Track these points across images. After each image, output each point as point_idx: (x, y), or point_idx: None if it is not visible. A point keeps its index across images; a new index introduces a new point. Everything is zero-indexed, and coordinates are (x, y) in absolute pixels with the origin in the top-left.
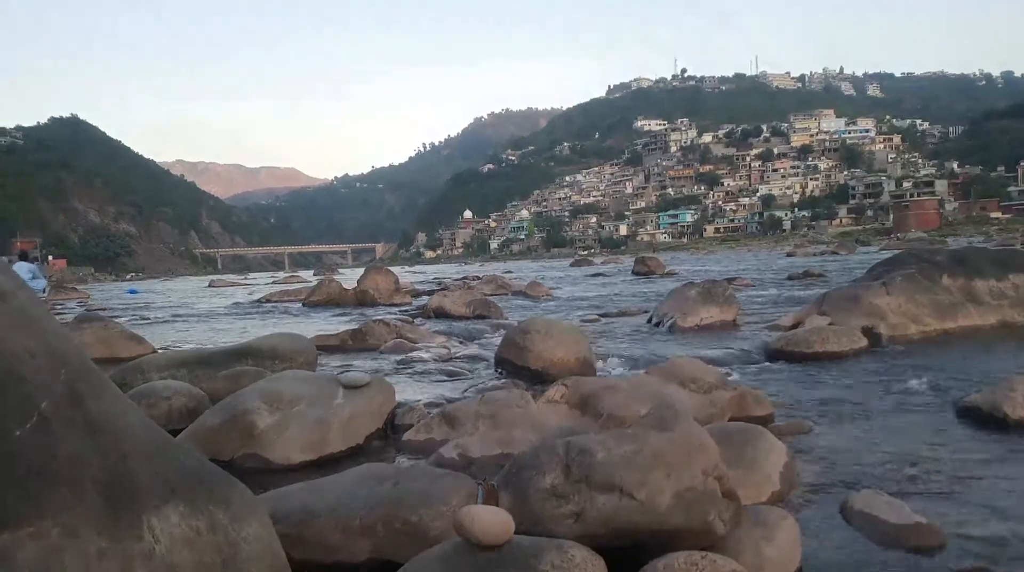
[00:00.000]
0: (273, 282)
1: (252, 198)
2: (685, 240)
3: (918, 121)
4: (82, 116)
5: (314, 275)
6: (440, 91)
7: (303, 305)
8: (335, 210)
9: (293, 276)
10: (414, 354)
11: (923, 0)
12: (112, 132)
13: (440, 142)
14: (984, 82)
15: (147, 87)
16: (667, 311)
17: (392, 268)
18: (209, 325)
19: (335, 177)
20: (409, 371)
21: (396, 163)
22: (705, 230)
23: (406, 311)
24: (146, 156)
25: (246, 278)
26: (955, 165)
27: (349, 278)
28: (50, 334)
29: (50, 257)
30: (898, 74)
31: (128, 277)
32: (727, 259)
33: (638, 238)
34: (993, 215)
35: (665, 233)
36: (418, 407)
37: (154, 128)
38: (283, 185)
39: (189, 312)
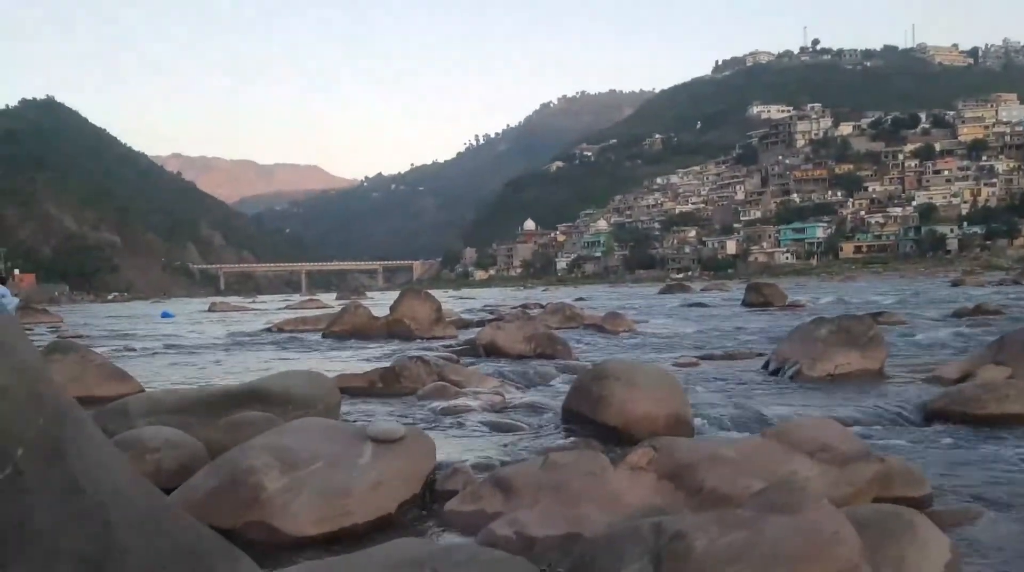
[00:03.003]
0: (287, 307)
1: (264, 202)
2: (814, 262)
3: None
4: (59, 99)
5: (337, 299)
6: (498, 70)
7: (323, 336)
8: (364, 218)
9: (311, 300)
10: (459, 401)
11: None
12: (95, 119)
13: (497, 134)
14: None
15: (139, 64)
16: (789, 355)
17: (433, 292)
18: (208, 359)
19: (365, 177)
20: (453, 423)
21: (441, 160)
22: (841, 249)
23: (450, 347)
24: (136, 149)
25: (254, 301)
26: None
27: (380, 303)
28: (29, 368)
29: (16, 271)
30: None
31: (111, 297)
32: (871, 287)
33: (751, 258)
34: None
35: (787, 252)
36: (464, 469)
37: (147, 114)
38: (302, 187)
39: (184, 342)
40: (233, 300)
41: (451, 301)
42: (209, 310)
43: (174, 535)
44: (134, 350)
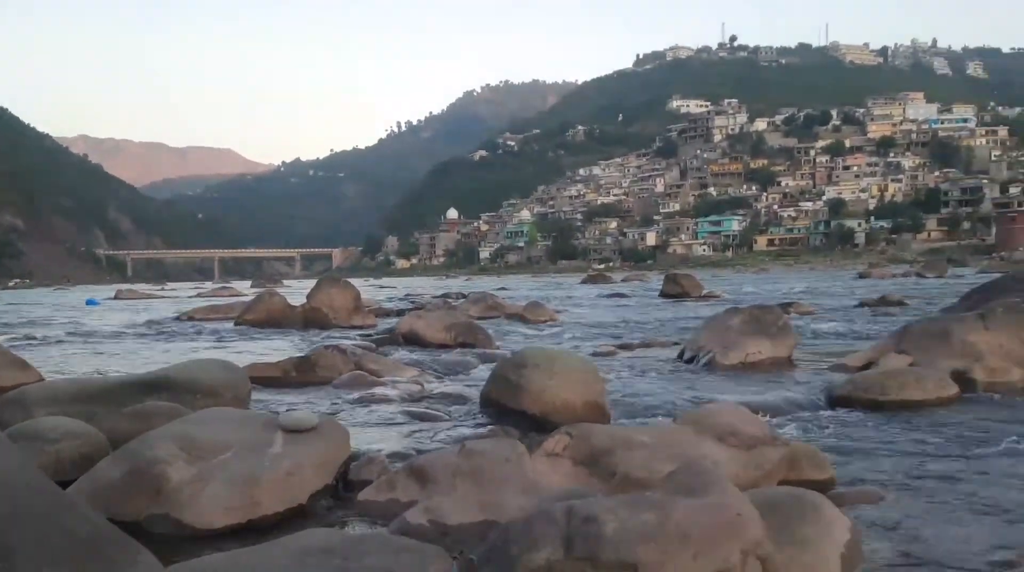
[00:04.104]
0: (198, 295)
1: (176, 187)
2: (730, 254)
3: None
4: None
5: (251, 287)
6: (421, 56)
7: (236, 325)
8: (282, 204)
9: (224, 287)
10: (377, 391)
11: None
12: None
13: (420, 121)
14: None
15: (43, 41)
16: (703, 344)
17: (353, 280)
18: (113, 348)
19: (283, 162)
20: (369, 412)
21: (362, 147)
22: (755, 242)
23: (369, 336)
24: (39, 129)
25: (163, 289)
26: None
27: (297, 292)
28: None
29: None
30: (1007, 49)
31: (11, 283)
32: (783, 279)
33: (670, 250)
34: None
35: (704, 244)
36: (379, 458)
37: (51, 94)
38: (216, 171)
39: (88, 331)
40: (141, 287)
41: (371, 290)
42: (115, 298)
43: (68, 530)
44: (36, 338)
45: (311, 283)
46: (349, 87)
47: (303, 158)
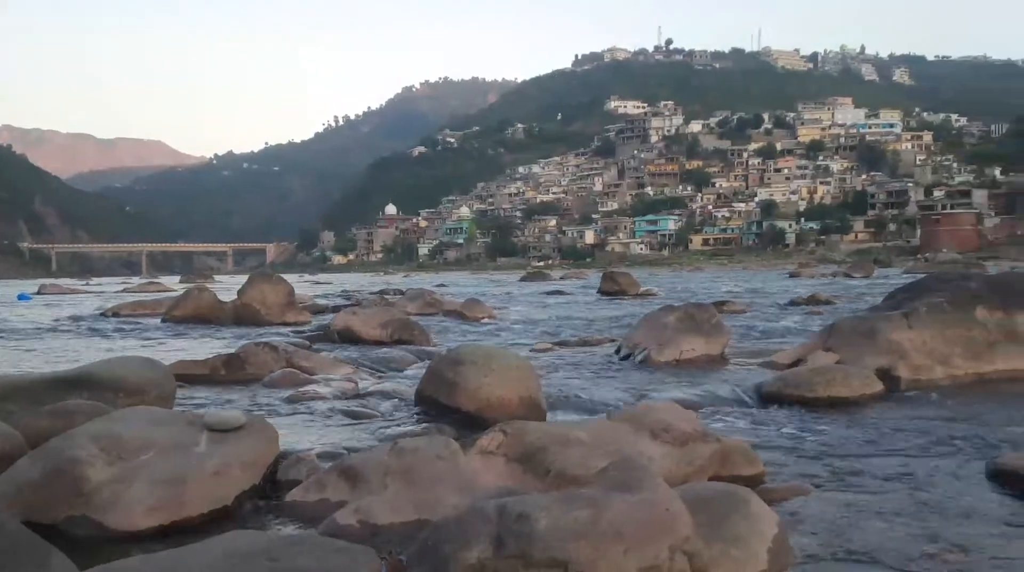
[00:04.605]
0: (125, 290)
1: (103, 179)
2: (666, 253)
3: (954, 116)
4: None
5: (180, 282)
6: (360, 50)
7: (163, 321)
8: (214, 198)
9: (152, 283)
10: (309, 389)
11: None
12: None
13: (358, 116)
14: None
15: None
16: (639, 341)
17: (287, 276)
18: (33, 345)
19: (215, 154)
20: (301, 411)
21: (298, 140)
22: (691, 241)
23: (302, 332)
24: None
25: (88, 284)
26: (997, 172)
27: (229, 287)
28: None
29: None
30: (931, 57)
31: None
32: (717, 278)
33: (608, 248)
34: None
35: (642, 243)
36: (308, 458)
37: None
38: (146, 163)
39: (8, 327)
40: (65, 282)
41: (306, 286)
42: (38, 293)
43: None
44: None
45: (243, 279)
46: (285, 79)
47: (236, 151)
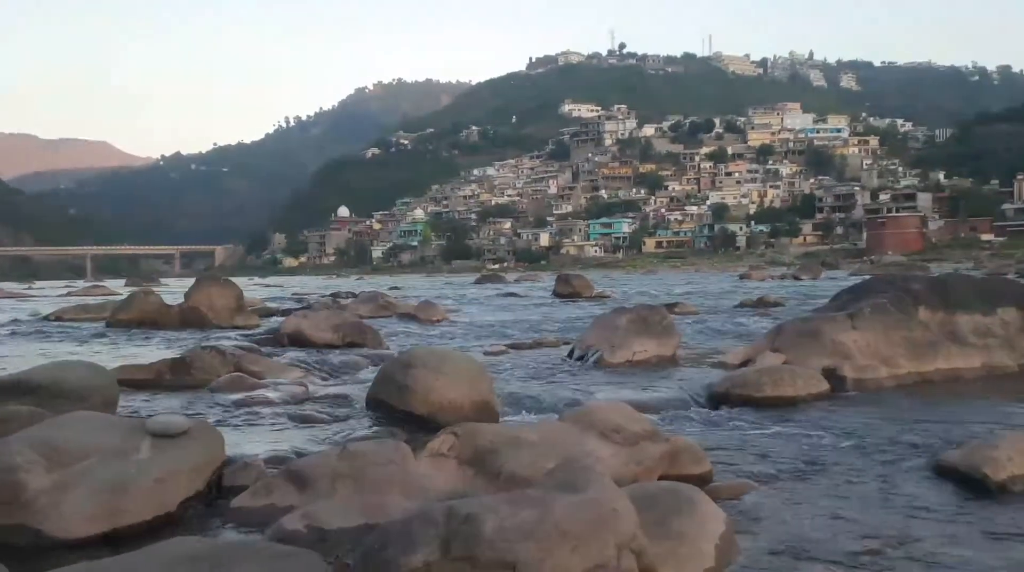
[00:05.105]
0: (69, 294)
1: (47, 180)
2: (620, 255)
3: (899, 121)
4: None
5: (126, 286)
6: (311, 51)
7: (107, 325)
8: (162, 200)
9: (97, 286)
10: (257, 393)
11: None
12: None
13: (310, 117)
14: (978, 77)
15: None
16: (592, 343)
17: (237, 279)
18: None
19: (162, 156)
20: (248, 415)
21: (248, 141)
22: (645, 244)
23: (251, 336)
24: None
25: (31, 287)
26: (941, 176)
27: (176, 291)
28: None
29: None
30: (877, 63)
31: None
32: (670, 280)
33: (563, 251)
34: (984, 237)
35: (596, 246)
36: (255, 463)
37: None
38: (90, 164)
39: None
40: (6, 286)
41: (256, 289)
42: None
43: None
44: None
45: (191, 282)
46: (234, 79)
47: (184, 152)
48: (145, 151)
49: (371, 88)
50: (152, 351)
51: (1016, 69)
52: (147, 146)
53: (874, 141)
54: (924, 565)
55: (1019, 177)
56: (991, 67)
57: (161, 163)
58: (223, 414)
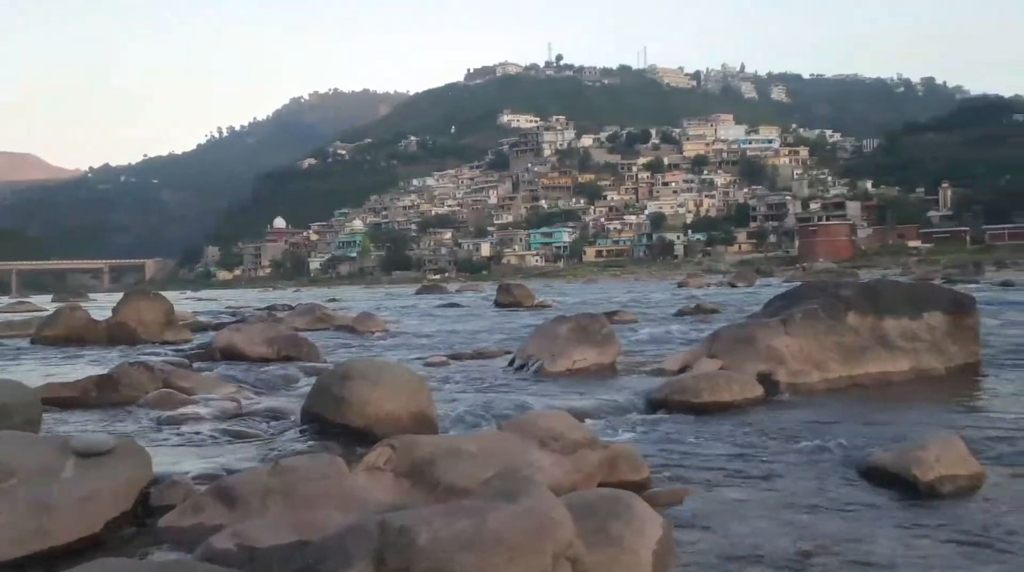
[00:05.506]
0: None
1: None
2: (561, 265)
3: (828, 132)
4: None
5: (53, 301)
6: (244, 59)
7: (32, 342)
8: (91, 213)
9: (22, 302)
10: (187, 410)
11: None
12: None
13: (244, 127)
14: (903, 89)
15: None
16: (532, 352)
17: (169, 293)
18: None
19: (91, 168)
20: (177, 433)
21: (180, 152)
22: (585, 253)
23: (182, 351)
24: None
25: None
26: (869, 185)
27: (105, 306)
28: None
29: None
30: (806, 76)
31: None
32: (610, 289)
33: (504, 261)
34: (911, 244)
35: (537, 255)
36: (184, 481)
37: None
38: (15, 177)
39: None
40: None
41: (189, 303)
42: None
43: None
44: None
45: (120, 297)
46: (163, 90)
47: (113, 163)
48: (73, 163)
49: (307, 98)
50: (79, 368)
51: (940, 81)
52: (75, 158)
53: (804, 151)
54: (857, 566)
55: (944, 185)
56: (915, 79)
57: (89, 175)
58: (151, 432)
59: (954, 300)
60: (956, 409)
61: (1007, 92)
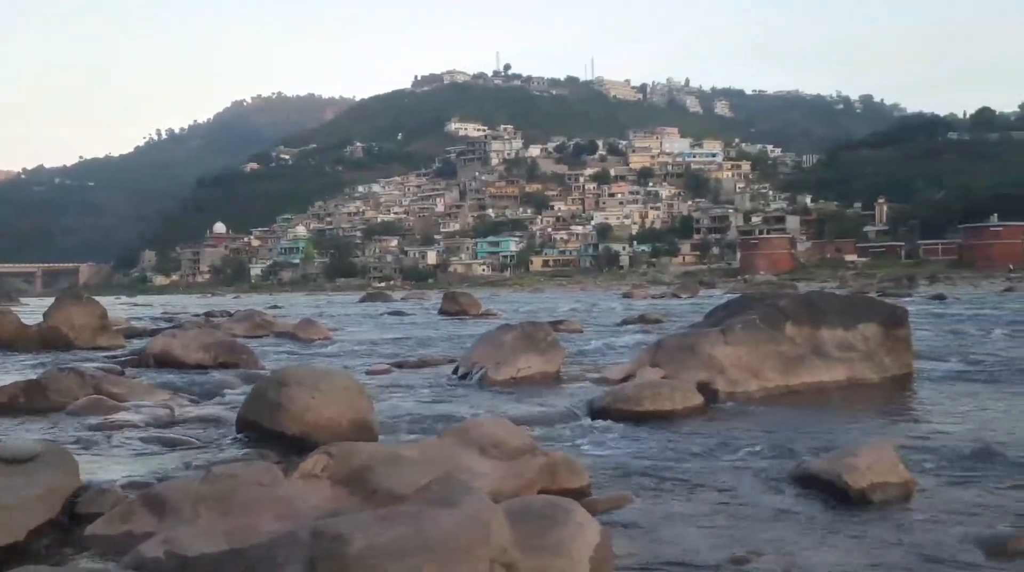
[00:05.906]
0: None
1: None
2: (508, 274)
3: (770, 147)
4: None
5: None
6: (186, 61)
7: None
8: (23, 216)
9: None
10: (119, 416)
11: (776, 9)
12: None
13: (183, 129)
14: (842, 106)
15: None
16: (477, 360)
17: (104, 298)
18: None
19: (23, 169)
20: (107, 440)
21: (117, 154)
22: (532, 262)
23: (116, 357)
24: None
25: None
26: (809, 199)
27: (36, 311)
28: None
29: None
30: (749, 91)
31: None
32: (556, 298)
33: (450, 269)
34: (848, 258)
35: (484, 264)
36: (112, 489)
37: None
38: None
39: None
40: None
41: (124, 308)
42: None
43: None
44: None
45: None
46: (101, 90)
47: (48, 165)
48: (5, 164)
49: (250, 101)
50: (7, 374)
51: (877, 98)
52: (7, 159)
53: (746, 165)
54: (790, 564)
55: (880, 201)
56: (854, 96)
57: (23, 177)
58: (80, 438)
59: (888, 312)
60: (889, 418)
61: (943, 111)
